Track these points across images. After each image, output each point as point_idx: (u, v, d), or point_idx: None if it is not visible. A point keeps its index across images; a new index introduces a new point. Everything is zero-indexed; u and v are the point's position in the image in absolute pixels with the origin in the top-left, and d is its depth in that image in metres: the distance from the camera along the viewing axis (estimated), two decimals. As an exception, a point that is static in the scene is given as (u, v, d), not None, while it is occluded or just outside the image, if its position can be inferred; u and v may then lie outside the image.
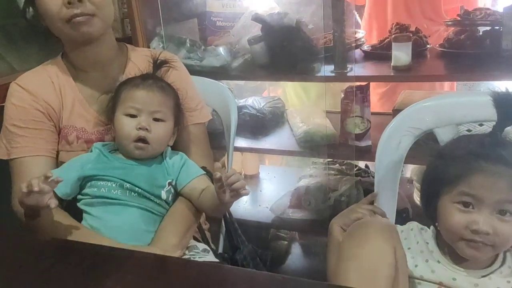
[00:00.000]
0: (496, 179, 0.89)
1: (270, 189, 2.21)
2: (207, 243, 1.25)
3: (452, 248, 0.99)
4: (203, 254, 1.17)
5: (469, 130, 1.08)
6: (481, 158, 0.91)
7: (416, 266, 0.98)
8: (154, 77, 1.19)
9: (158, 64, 1.22)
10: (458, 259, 0.98)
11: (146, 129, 1.11)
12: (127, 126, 1.11)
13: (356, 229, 0.97)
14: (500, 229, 0.89)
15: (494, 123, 0.95)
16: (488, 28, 1.73)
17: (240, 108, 1.93)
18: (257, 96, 2.19)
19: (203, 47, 1.91)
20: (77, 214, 1.13)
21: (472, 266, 0.96)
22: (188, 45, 1.88)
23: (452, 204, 0.93)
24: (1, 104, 1.21)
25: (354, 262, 0.89)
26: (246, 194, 1.01)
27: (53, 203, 0.98)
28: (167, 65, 1.23)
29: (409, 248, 1.00)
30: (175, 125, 1.19)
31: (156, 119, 1.13)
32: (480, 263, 0.96)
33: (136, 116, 1.12)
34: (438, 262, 0.99)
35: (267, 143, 1.91)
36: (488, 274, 0.95)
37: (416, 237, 1.04)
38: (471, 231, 0.90)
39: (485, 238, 0.89)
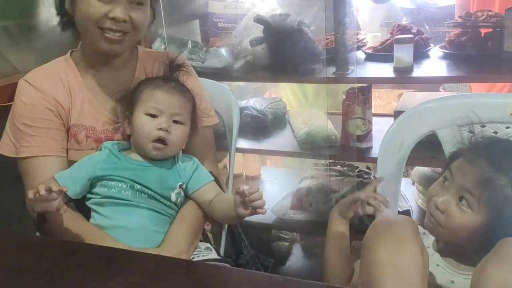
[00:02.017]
0: (471, 167, 0.93)
1: (271, 190, 2.20)
2: (210, 244, 1.25)
3: (451, 253, 0.99)
4: (206, 252, 1.17)
5: (471, 132, 1.08)
6: (472, 149, 0.99)
7: None
8: (176, 80, 1.20)
9: (174, 67, 1.22)
10: (457, 263, 0.99)
11: (167, 130, 1.11)
12: (148, 126, 1.11)
13: (384, 229, 0.93)
14: (452, 213, 0.94)
15: (496, 124, 0.96)
16: (490, 30, 1.74)
17: (241, 109, 1.94)
18: (258, 97, 2.19)
19: (205, 48, 1.91)
20: (85, 212, 1.13)
21: (471, 270, 0.96)
22: (190, 46, 1.88)
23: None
24: (5, 104, 1.20)
25: (389, 269, 0.87)
26: (263, 213, 1.02)
27: (63, 209, 0.99)
28: (182, 69, 1.23)
29: None
30: (190, 129, 1.19)
31: (175, 122, 1.13)
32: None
33: (156, 117, 1.12)
34: (437, 265, 0.99)
35: (268, 144, 1.91)
36: None
37: None
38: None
39: (438, 215, 0.96)
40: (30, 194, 0.94)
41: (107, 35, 1.11)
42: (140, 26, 1.14)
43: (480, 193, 0.91)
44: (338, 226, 1.16)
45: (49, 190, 0.94)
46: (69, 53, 1.24)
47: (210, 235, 1.33)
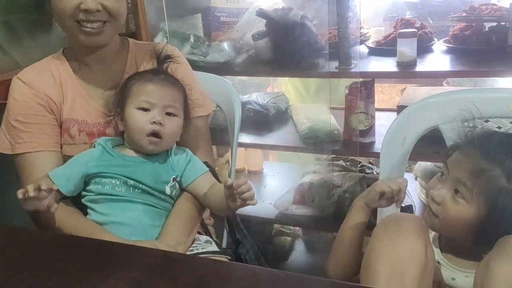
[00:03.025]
0: (465, 159, 0.94)
1: (273, 185, 2.20)
2: (211, 238, 1.25)
3: (451, 249, 1.00)
4: (205, 245, 1.17)
5: (474, 127, 1.08)
6: (467, 142, 0.99)
7: None
8: (165, 72, 1.19)
9: (162, 59, 1.21)
10: (457, 260, 0.99)
11: (160, 123, 1.10)
12: (141, 120, 1.10)
13: (391, 222, 0.96)
14: (447, 205, 0.95)
15: (500, 119, 0.96)
16: (494, 24, 1.72)
17: (244, 104, 1.93)
18: (261, 91, 2.19)
19: (207, 42, 1.91)
20: (82, 209, 1.13)
21: (471, 267, 0.96)
22: (192, 40, 1.87)
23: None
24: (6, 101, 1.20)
25: (386, 256, 0.89)
26: (254, 204, 1.02)
27: (53, 208, 1.00)
28: (171, 60, 1.22)
29: None
30: (183, 120, 1.19)
31: (168, 114, 1.13)
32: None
33: (148, 110, 1.11)
34: (438, 263, 0.99)
35: (271, 139, 1.90)
36: None
37: None
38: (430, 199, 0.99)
39: (434, 206, 0.97)
40: (20, 194, 0.95)
41: (84, 28, 1.10)
42: (116, 13, 1.12)
43: (473, 184, 0.92)
44: (359, 217, 1.11)
45: (39, 189, 0.94)
46: (61, 49, 1.24)
47: (212, 229, 1.33)
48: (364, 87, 1.69)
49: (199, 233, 1.23)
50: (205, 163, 1.22)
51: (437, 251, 1.02)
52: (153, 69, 1.19)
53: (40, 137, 1.15)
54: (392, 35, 1.82)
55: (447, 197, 0.95)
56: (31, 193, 0.93)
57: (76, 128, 1.18)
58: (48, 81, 1.18)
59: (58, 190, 1.06)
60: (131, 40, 1.31)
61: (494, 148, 0.93)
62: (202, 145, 1.30)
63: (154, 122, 1.10)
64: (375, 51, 1.86)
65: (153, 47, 1.26)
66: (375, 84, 1.74)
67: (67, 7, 1.08)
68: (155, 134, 1.10)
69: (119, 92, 1.17)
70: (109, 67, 1.23)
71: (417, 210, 1.81)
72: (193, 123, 1.24)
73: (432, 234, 1.05)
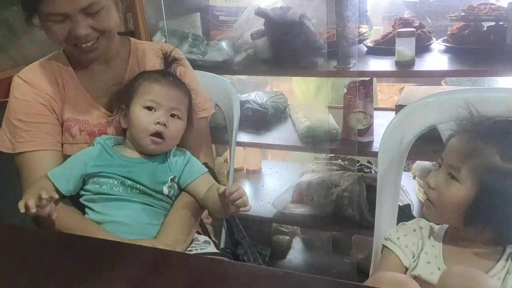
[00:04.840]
0: (459, 142, 0.95)
1: (272, 184, 2.21)
2: (209, 238, 1.25)
3: (457, 254, 0.99)
4: (204, 245, 1.17)
5: (471, 118, 1.08)
6: (462, 129, 0.99)
7: (416, 264, 0.98)
8: (173, 75, 1.19)
9: (170, 61, 1.22)
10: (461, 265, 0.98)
11: (165, 124, 1.10)
12: (145, 119, 1.11)
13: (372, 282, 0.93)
14: (441, 189, 0.96)
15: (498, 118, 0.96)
16: (492, 23, 1.73)
17: (242, 103, 1.93)
18: (259, 91, 2.19)
19: (205, 41, 1.91)
20: (79, 208, 1.13)
21: None
22: (191, 39, 1.87)
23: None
24: (5, 99, 1.20)
25: None
26: (247, 211, 1.02)
27: (54, 215, 1.01)
28: (178, 62, 1.23)
29: (413, 243, 1.01)
30: (186, 124, 1.19)
31: (173, 116, 1.13)
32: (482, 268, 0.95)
33: (154, 110, 1.11)
34: (439, 269, 0.98)
35: (269, 138, 1.91)
36: None
37: (423, 237, 1.04)
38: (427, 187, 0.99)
39: (430, 193, 0.98)
40: (22, 208, 0.95)
41: (80, 46, 1.11)
42: (107, 29, 1.13)
43: (465, 163, 0.92)
44: None
45: (39, 199, 0.95)
46: (62, 48, 1.24)
47: (210, 228, 1.33)
48: (363, 86, 1.69)
49: (198, 233, 1.23)
50: (205, 164, 1.22)
51: (440, 257, 1.00)
52: (162, 70, 1.20)
53: (41, 136, 1.15)
54: (391, 35, 1.82)
55: (441, 181, 0.96)
56: (33, 209, 0.94)
57: (77, 128, 1.18)
58: (49, 80, 1.18)
59: (57, 190, 1.07)
60: (132, 39, 1.31)
61: (489, 129, 0.94)
62: (202, 146, 1.30)
63: (158, 122, 1.10)
64: (373, 51, 1.86)
65: (160, 48, 1.26)
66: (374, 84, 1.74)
67: (58, 36, 1.10)
68: (158, 135, 1.11)
69: (124, 89, 1.17)
70: (111, 66, 1.23)
71: (415, 210, 1.81)
72: (194, 124, 1.24)
73: (441, 235, 1.03)
